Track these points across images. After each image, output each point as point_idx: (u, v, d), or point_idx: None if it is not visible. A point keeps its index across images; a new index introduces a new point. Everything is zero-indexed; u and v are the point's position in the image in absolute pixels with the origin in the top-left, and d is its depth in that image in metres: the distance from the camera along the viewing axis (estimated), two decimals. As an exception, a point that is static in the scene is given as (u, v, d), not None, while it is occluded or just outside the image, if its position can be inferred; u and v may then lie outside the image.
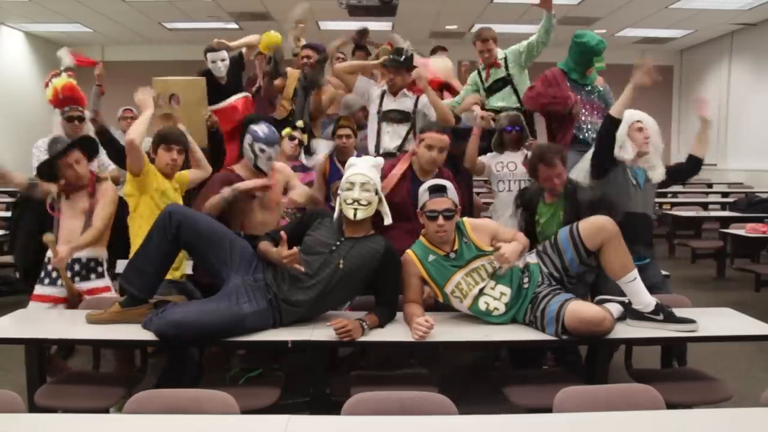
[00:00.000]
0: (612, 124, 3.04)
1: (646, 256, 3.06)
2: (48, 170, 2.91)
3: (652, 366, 2.97)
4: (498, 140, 3.70)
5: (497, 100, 4.13)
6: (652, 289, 2.92)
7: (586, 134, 3.66)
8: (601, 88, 3.75)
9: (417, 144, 3.12)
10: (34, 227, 3.03)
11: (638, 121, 3.07)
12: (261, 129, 3.10)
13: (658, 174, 3.09)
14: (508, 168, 3.63)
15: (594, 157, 3.12)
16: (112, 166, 4.02)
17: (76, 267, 2.89)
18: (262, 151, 3.07)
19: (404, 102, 3.76)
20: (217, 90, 4.31)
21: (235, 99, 4.39)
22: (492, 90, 4.16)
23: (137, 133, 2.81)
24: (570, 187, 3.00)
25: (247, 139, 3.10)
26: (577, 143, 3.65)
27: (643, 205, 3.10)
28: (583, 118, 3.68)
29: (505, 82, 4.11)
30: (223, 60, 4.32)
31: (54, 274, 2.88)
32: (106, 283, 2.96)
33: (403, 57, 3.70)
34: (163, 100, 3.90)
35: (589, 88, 3.75)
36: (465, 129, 3.78)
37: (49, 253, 2.84)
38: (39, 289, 2.90)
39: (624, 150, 3.06)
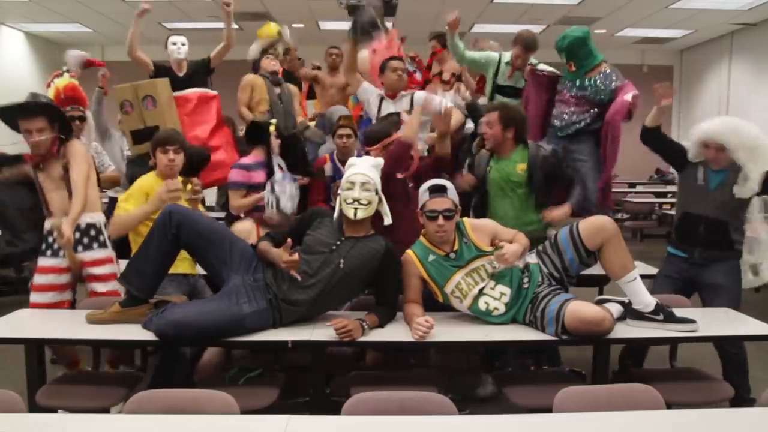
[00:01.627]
0: (645, 131, 3.16)
1: (703, 259, 2.99)
2: (8, 116, 2.84)
3: (654, 366, 2.98)
4: (480, 143, 3.71)
5: None
6: (705, 288, 3.00)
7: (563, 123, 3.58)
8: (596, 80, 3.49)
9: (380, 150, 3.15)
10: (22, 204, 3.02)
11: (708, 140, 2.91)
12: (277, 174, 3.28)
13: (739, 188, 2.87)
14: None
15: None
16: (112, 167, 4.02)
17: (77, 235, 2.87)
18: (283, 192, 3.22)
19: (401, 103, 3.75)
20: (176, 84, 4.19)
21: (192, 91, 4.21)
22: (501, 91, 4.01)
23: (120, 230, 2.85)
24: (532, 147, 3.16)
25: (267, 190, 3.25)
26: (553, 129, 3.64)
27: (707, 208, 2.95)
28: (562, 109, 3.59)
29: (516, 91, 3.96)
30: (183, 44, 4.28)
31: (56, 246, 2.88)
32: (108, 253, 2.96)
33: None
34: (130, 106, 3.84)
35: (579, 82, 3.54)
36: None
37: (48, 226, 2.86)
38: (42, 261, 2.90)
39: (692, 148, 3.05)
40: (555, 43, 3.53)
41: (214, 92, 4.33)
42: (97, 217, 2.97)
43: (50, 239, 2.90)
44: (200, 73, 4.36)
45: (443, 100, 3.13)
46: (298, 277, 2.42)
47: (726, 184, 2.92)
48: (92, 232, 2.94)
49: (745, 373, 2.91)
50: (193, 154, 3.26)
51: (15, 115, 2.81)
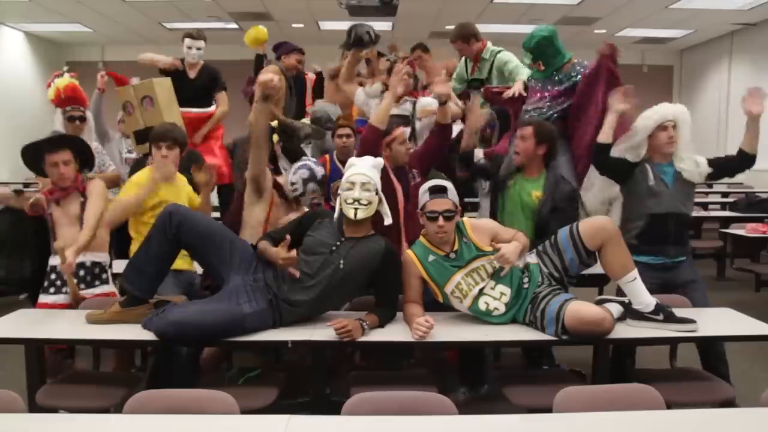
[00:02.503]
0: (600, 150, 3.05)
1: (678, 256, 2.98)
2: (32, 156, 2.82)
3: (654, 366, 2.98)
4: (480, 138, 3.81)
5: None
6: (680, 288, 2.95)
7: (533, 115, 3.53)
8: (563, 74, 3.49)
9: (384, 148, 3.17)
10: (29, 237, 3.04)
11: (667, 121, 2.96)
12: (318, 169, 3.31)
13: (692, 172, 2.97)
14: None
15: (605, 174, 3.15)
16: (112, 167, 4.03)
17: (81, 272, 2.83)
18: (313, 191, 3.26)
19: (404, 107, 3.77)
20: (183, 84, 4.28)
21: (187, 111, 4.28)
22: (472, 86, 4.17)
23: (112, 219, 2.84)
24: (551, 176, 3.07)
25: (301, 173, 3.24)
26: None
27: (672, 204, 2.96)
28: (535, 107, 3.53)
29: (483, 84, 4.07)
30: (199, 48, 4.36)
31: (58, 282, 2.83)
32: (111, 289, 2.93)
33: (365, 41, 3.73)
34: (132, 107, 3.84)
35: (550, 80, 3.52)
36: None
37: (53, 261, 2.83)
38: (44, 298, 2.84)
39: (631, 152, 3.03)
40: (522, 43, 3.51)
41: (211, 110, 4.45)
42: (103, 257, 2.94)
43: (53, 276, 2.85)
44: (209, 88, 4.48)
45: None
46: (296, 274, 2.43)
47: (680, 177, 2.98)
48: (96, 270, 2.89)
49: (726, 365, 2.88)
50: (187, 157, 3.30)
51: (41, 150, 2.80)
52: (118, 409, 2.27)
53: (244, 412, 1.78)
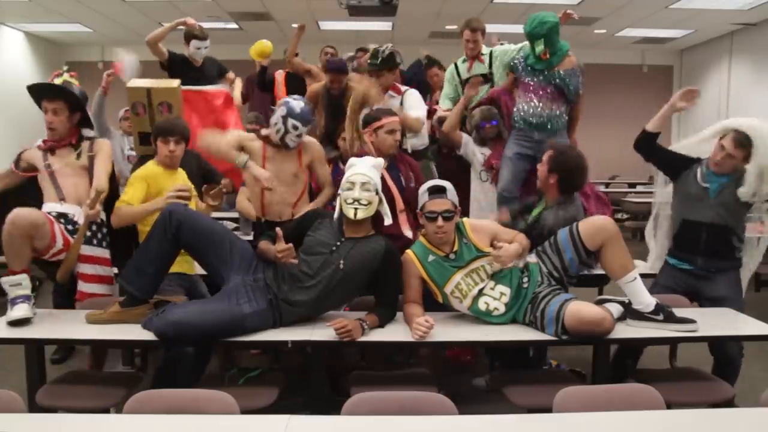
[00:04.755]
0: (644, 135, 3.03)
1: (708, 269, 2.90)
2: (37, 91, 2.91)
3: (654, 366, 2.98)
4: (477, 137, 3.75)
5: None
6: (708, 303, 2.86)
7: (539, 120, 3.46)
8: (563, 72, 3.43)
9: (371, 133, 3.12)
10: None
11: (727, 137, 2.82)
12: (298, 104, 3.10)
13: (747, 194, 2.83)
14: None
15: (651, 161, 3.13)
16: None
17: (93, 227, 2.88)
18: (295, 128, 3.08)
19: (391, 103, 3.72)
20: (193, 71, 4.43)
21: (215, 89, 4.42)
22: (468, 83, 4.02)
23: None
24: (558, 203, 2.83)
25: (281, 111, 3.09)
26: (526, 126, 3.51)
27: (708, 214, 2.87)
28: (531, 103, 3.48)
29: (486, 79, 4.00)
30: (206, 47, 4.56)
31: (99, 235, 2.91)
32: (105, 254, 2.94)
33: (380, 59, 3.69)
34: (143, 109, 3.74)
35: (546, 73, 3.45)
36: None
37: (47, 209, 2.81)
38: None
39: (700, 148, 3.00)
40: (530, 30, 3.38)
41: (221, 88, 4.55)
42: (101, 213, 2.93)
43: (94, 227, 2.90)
44: (219, 71, 4.75)
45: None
46: (295, 261, 2.44)
47: (727, 188, 2.86)
48: (104, 230, 2.94)
49: (737, 376, 2.85)
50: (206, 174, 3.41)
51: (42, 94, 2.90)
52: (118, 409, 2.27)
53: (244, 412, 1.78)
